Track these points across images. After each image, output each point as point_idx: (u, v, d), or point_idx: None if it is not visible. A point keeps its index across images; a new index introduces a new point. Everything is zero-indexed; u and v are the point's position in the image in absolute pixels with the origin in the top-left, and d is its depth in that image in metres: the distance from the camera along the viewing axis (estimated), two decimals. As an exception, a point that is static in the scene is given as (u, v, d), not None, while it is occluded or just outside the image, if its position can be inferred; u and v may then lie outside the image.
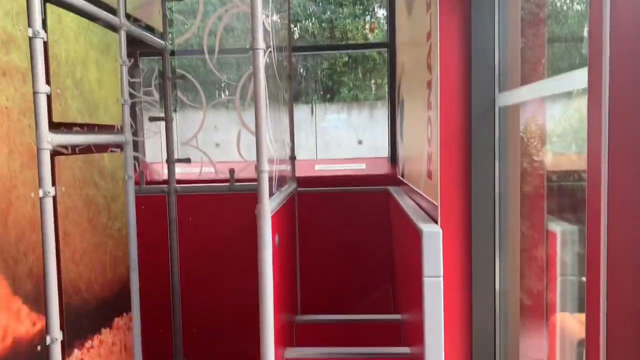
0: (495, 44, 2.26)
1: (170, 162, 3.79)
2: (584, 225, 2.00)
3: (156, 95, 3.81)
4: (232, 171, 3.75)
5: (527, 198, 2.29)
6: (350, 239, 4.20)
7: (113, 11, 2.79)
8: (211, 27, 3.64)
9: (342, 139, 10.81)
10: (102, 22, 2.65)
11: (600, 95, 1.17)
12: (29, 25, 1.99)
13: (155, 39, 3.55)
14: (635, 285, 1.12)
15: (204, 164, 4.06)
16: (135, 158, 3.74)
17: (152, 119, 3.84)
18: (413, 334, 2.79)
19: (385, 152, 4.66)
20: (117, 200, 2.74)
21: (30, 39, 2.00)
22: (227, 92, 9.49)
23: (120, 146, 2.90)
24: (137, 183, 3.45)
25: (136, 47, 3.55)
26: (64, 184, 2.24)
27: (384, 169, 4.47)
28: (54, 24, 2.18)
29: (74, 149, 2.74)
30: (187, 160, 3.85)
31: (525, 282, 2.31)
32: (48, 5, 2.15)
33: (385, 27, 5.07)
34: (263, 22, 2.34)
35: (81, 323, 2.36)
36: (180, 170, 4.22)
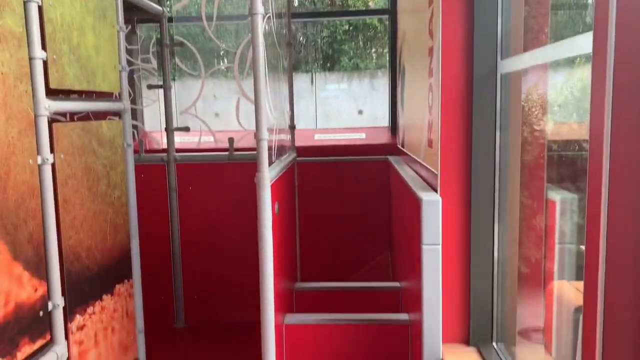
0: (498, 9, 2.22)
1: (169, 130, 3.78)
2: (583, 194, 2.01)
3: (154, 63, 3.76)
4: (231, 140, 3.73)
5: (527, 167, 2.28)
6: (349, 208, 4.21)
7: (109, -25, 2.73)
8: (209, -8, 3.58)
9: (342, 108, 10.74)
10: (97, -14, 2.60)
11: (605, 61, 1.15)
12: (23, -11, 1.95)
13: (153, 4, 3.49)
14: (634, 254, 1.12)
15: (203, 133, 4.05)
16: (134, 126, 3.72)
17: (151, 87, 3.80)
18: (411, 301, 2.83)
19: (385, 122, 4.64)
20: (116, 168, 2.74)
21: (25, 2, 1.96)
22: (225, 60, 9.38)
23: (118, 114, 2.88)
24: (136, 152, 3.44)
25: (133, 14, 3.49)
26: (63, 151, 2.23)
27: (384, 138, 4.45)
28: (48, -13, 2.14)
29: (72, 117, 2.72)
30: (186, 129, 3.83)
31: (524, 251, 2.32)
32: (42, -32, 2.11)
33: (387, -6, 4.98)
34: (262, -13, 2.30)
35: (82, 289, 2.38)
36: (180, 140, 4.20)
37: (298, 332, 2.91)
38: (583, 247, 1.99)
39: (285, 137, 3.65)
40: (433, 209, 2.30)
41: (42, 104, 2.03)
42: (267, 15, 2.73)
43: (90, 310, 2.45)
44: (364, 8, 11.12)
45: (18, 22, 1.91)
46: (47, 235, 2.08)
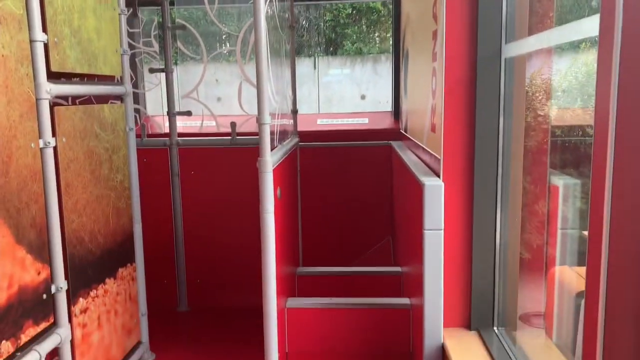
0: (503, -8, 2.20)
1: (171, 114, 3.76)
2: (586, 180, 2.00)
3: (156, 46, 3.74)
4: (233, 124, 3.72)
5: (530, 152, 2.27)
6: (351, 193, 4.21)
7: (110, -43, 2.70)
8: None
9: (344, 93, 10.68)
10: (98, -32, 2.58)
11: (611, 44, 1.14)
12: (23, -30, 1.93)
13: (154, -13, 3.46)
14: (637, 239, 1.12)
15: (205, 117, 4.03)
16: (136, 110, 3.71)
17: (152, 71, 3.78)
18: (413, 286, 2.84)
19: (388, 107, 4.61)
20: (118, 152, 2.73)
21: (25, -16, 1.95)
22: (227, 44, 9.32)
23: (120, 98, 2.87)
24: (138, 136, 3.43)
25: (134, -4, 3.46)
26: (65, 134, 2.23)
27: (386, 123, 4.43)
28: (48, -31, 2.12)
29: (74, 100, 2.71)
30: (188, 113, 3.82)
31: (526, 236, 2.32)
32: (42, -51, 2.08)
33: (391, -23, 4.93)
34: (264, -31, 2.27)
35: (86, 273, 2.40)
36: (182, 124, 4.19)
37: (300, 316, 2.93)
38: (585, 233, 1.99)
39: (288, 121, 3.64)
40: (435, 194, 2.30)
41: (43, 87, 2.03)
42: (270, -2, 2.70)
43: (93, 293, 2.46)
44: (368, -9, 11.00)
45: (18, 4, 1.89)
46: (49, 218, 2.09)
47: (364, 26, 11.20)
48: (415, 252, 2.65)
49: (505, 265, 2.37)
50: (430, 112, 2.59)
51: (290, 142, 3.42)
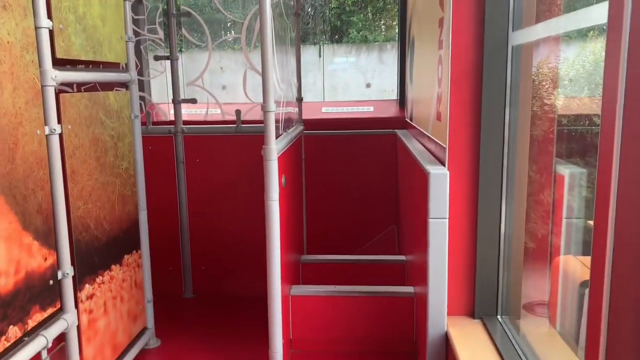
0: (511, -21, 2.17)
1: (177, 102, 3.76)
2: (591, 169, 1.99)
3: (161, 34, 3.73)
4: (238, 112, 3.72)
5: (537, 141, 2.26)
6: (356, 182, 4.21)
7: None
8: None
9: (350, 82, 10.64)
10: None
11: (620, 32, 1.12)
12: (28, -44, 1.92)
13: (159, -27, 3.44)
14: (643, 227, 1.11)
15: (210, 105, 4.03)
16: (142, 98, 3.71)
17: (157, 58, 3.77)
18: (417, 274, 2.84)
19: (393, 96, 4.59)
20: (123, 139, 2.74)
21: (30, -30, 1.94)
22: (232, 32, 9.29)
23: (125, 85, 2.87)
24: (143, 123, 3.43)
25: (139, -18, 3.45)
26: (70, 122, 2.23)
27: (392, 111, 4.41)
28: (53, -45, 2.11)
29: (79, 88, 2.72)
30: (193, 101, 3.82)
31: (531, 225, 2.32)
32: None
33: (397, -36, 4.88)
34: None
35: (91, 259, 2.41)
36: (187, 112, 4.19)
37: (304, 303, 2.94)
38: (590, 222, 1.99)
39: (293, 109, 3.63)
40: (440, 182, 2.29)
41: (48, 74, 2.03)
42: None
43: (99, 279, 2.48)
44: (373, -21, 10.93)
45: (23, -10, 1.89)
46: (55, 205, 2.10)
47: (369, 14, 11.13)
48: (420, 241, 2.65)
49: (509, 254, 2.37)
50: (436, 101, 2.58)
51: (295, 130, 3.42)
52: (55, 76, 2.06)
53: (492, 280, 2.40)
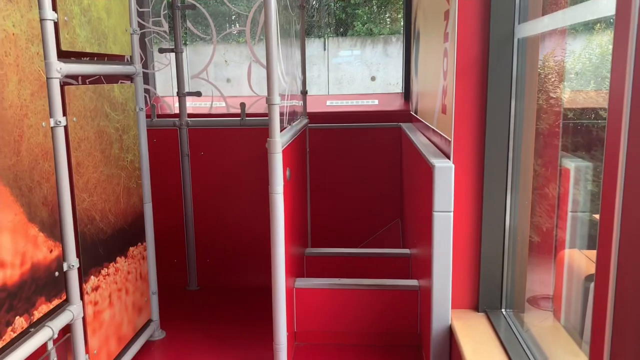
0: (517, -29, 2.16)
1: (181, 94, 3.76)
2: (597, 162, 1.98)
3: (165, 26, 3.73)
4: (242, 105, 3.72)
5: (542, 135, 2.25)
6: (360, 175, 4.21)
7: None
8: (221, -47, 3.50)
9: (355, 75, 10.60)
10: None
11: (628, 24, 1.11)
12: (33, -52, 1.92)
13: (164, -34, 3.43)
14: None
15: (214, 98, 4.03)
16: (146, 91, 3.71)
17: (162, 51, 3.77)
18: (422, 268, 2.84)
19: (398, 89, 4.57)
20: (128, 132, 2.74)
21: (35, -38, 1.94)
22: (237, 25, 9.27)
23: (130, 77, 2.87)
24: (148, 116, 3.44)
25: (144, -25, 3.44)
26: (75, 114, 2.23)
27: (397, 105, 4.40)
28: (58, -54, 2.10)
29: (84, 80, 2.72)
30: (198, 94, 3.82)
31: (536, 219, 2.31)
32: None
33: (402, -44, 4.85)
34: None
35: (97, 251, 2.42)
36: (191, 105, 4.19)
37: (308, 295, 2.95)
38: (595, 216, 1.98)
39: (297, 102, 3.63)
40: (445, 175, 2.29)
41: (53, 66, 2.03)
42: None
43: (104, 271, 2.49)
44: (378, -29, 10.85)
45: (28, -18, 1.89)
46: (60, 197, 2.11)
47: (374, 6, 11.08)
48: (424, 234, 2.65)
49: (514, 248, 2.36)
50: (441, 94, 2.57)
51: (299, 123, 3.42)
52: (60, 68, 2.06)
53: (497, 273, 2.40)
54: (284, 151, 2.43)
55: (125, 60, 2.84)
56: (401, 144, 4.07)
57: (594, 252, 1.99)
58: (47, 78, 2.01)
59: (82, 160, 2.29)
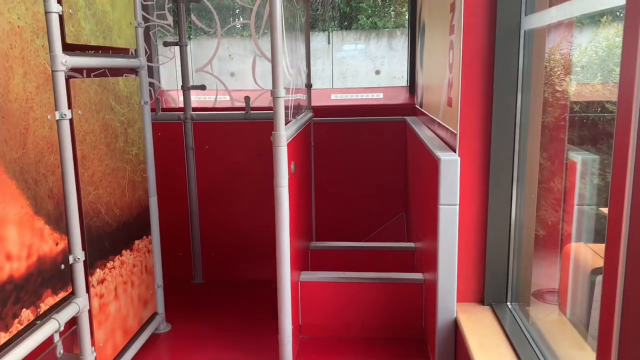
0: (524, -38, 2.14)
1: (186, 88, 3.76)
2: (603, 156, 1.97)
3: (170, 19, 3.72)
4: (247, 98, 3.71)
5: (548, 128, 2.24)
6: (365, 169, 4.20)
7: None
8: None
9: (359, 69, 10.57)
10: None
11: (638, 14, 1.10)
12: (37, -60, 1.91)
13: (168, -42, 3.42)
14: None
15: (219, 92, 4.02)
16: (151, 84, 3.71)
17: (167, 44, 3.76)
18: (427, 261, 2.84)
19: (403, 83, 4.56)
20: (133, 125, 2.74)
21: (39, -46, 1.93)
22: (241, 18, 9.25)
23: (135, 71, 2.86)
24: (152, 110, 3.43)
25: (148, -32, 3.43)
26: (80, 107, 2.23)
27: (402, 98, 4.38)
28: (62, -61, 2.10)
29: (88, 74, 2.72)
30: (202, 87, 3.81)
31: (541, 213, 2.31)
32: None
33: (407, -51, 4.82)
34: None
35: (102, 244, 2.43)
36: (196, 98, 4.19)
37: (313, 289, 2.95)
38: (602, 209, 1.97)
39: (302, 96, 3.62)
40: (451, 168, 2.28)
41: (59, 59, 2.03)
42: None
43: (110, 264, 2.50)
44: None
45: (33, -26, 1.88)
46: (66, 190, 2.11)
47: (379, 0, 11.03)
48: (429, 227, 2.65)
49: (519, 242, 2.36)
50: (447, 86, 2.56)
51: (304, 117, 3.41)
52: (66, 61, 2.06)
53: (502, 267, 2.39)
54: (288, 145, 2.43)
55: (130, 53, 2.84)
56: (406, 138, 4.05)
57: (600, 245, 1.98)
58: (52, 71, 2.01)
59: (88, 154, 2.30)
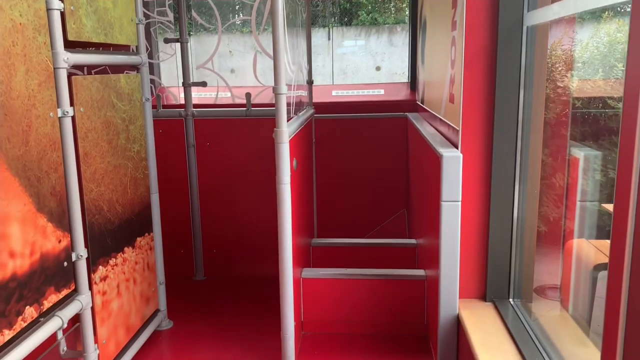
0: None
1: (187, 85, 3.75)
2: (606, 152, 1.96)
3: (170, 16, 3.71)
4: (248, 95, 3.71)
5: (550, 124, 2.24)
6: (366, 165, 4.20)
7: None
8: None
9: (359, 65, 10.55)
10: None
11: (642, 9, 1.10)
12: (39, -63, 1.90)
13: (168, -45, 3.41)
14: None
15: (220, 88, 4.02)
16: (152, 81, 3.70)
17: (167, 41, 3.76)
18: (429, 257, 2.84)
19: (403, 79, 4.55)
20: (135, 122, 2.74)
21: (41, -49, 1.92)
22: (241, 14, 9.23)
23: (136, 68, 2.86)
24: (154, 106, 3.43)
25: (149, -36, 3.42)
26: (82, 104, 2.23)
27: (403, 94, 4.38)
28: None
29: (89, 71, 2.71)
30: (203, 84, 3.80)
31: (544, 209, 2.31)
32: None
33: (408, -56, 4.81)
34: None
35: (105, 241, 2.43)
36: (196, 95, 4.18)
37: (315, 285, 2.95)
38: (605, 205, 1.97)
39: (303, 93, 3.62)
40: (454, 165, 2.28)
41: (61, 56, 2.02)
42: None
43: (112, 262, 2.50)
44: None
45: (34, -29, 1.87)
46: (69, 187, 2.11)
47: (379, -5, 11.00)
48: (431, 224, 2.65)
49: (522, 238, 2.36)
50: (449, 83, 2.56)
51: (305, 113, 3.41)
52: (68, 58, 2.05)
53: (504, 263, 2.39)
54: (290, 141, 2.43)
55: (131, 50, 2.83)
56: (407, 134, 4.05)
57: (603, 241, 1.98)
58: (54, 68, 2.00)
59: (90, 151, 2.29)
